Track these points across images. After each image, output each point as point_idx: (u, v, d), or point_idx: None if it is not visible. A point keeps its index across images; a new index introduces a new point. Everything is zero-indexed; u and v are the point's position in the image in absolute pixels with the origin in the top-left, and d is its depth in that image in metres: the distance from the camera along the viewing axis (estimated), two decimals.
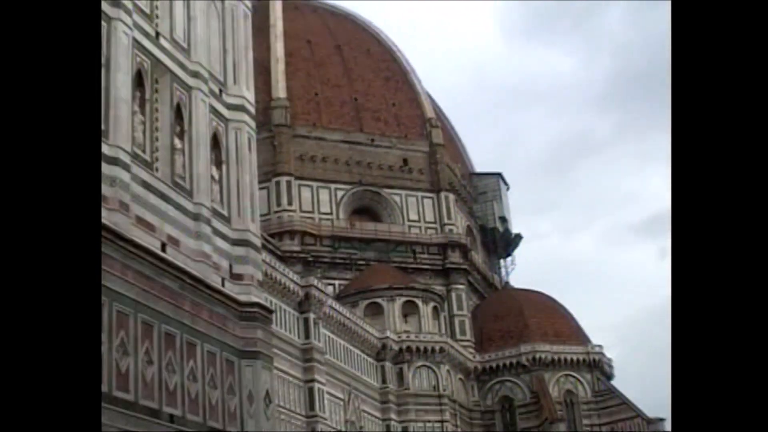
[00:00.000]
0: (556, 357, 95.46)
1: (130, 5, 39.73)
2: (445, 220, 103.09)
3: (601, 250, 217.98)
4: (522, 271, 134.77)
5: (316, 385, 69.55)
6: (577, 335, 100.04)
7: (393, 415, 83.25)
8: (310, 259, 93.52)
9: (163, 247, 38.74)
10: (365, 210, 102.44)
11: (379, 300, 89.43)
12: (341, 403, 74.43)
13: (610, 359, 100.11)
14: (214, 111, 45.20)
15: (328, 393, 71.64)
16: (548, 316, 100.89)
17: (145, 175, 38.98)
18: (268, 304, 46.38)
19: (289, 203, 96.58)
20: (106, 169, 35.96)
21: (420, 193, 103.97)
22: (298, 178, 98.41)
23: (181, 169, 41.89)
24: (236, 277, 43.79)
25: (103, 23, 37.93)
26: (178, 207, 40.90)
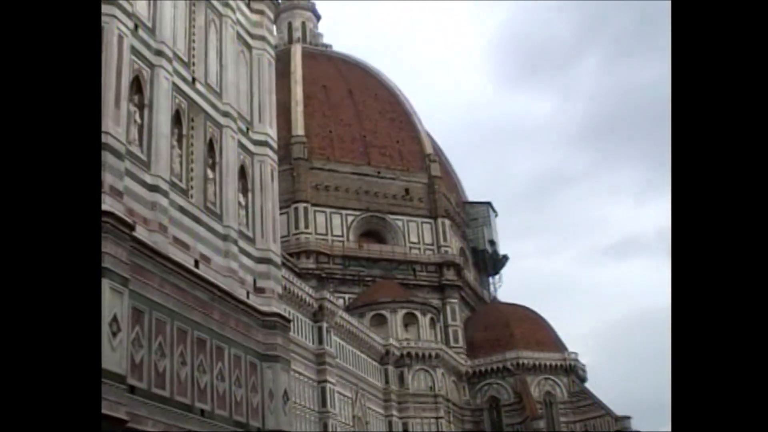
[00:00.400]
0: (537, 362, 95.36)
1: (170, 54, 39.91)
2: (442, 243, 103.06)
3: (576, 270, 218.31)
4: (508, 287, 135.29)
5: (328, 385, 69.42)
6: (556, 344, 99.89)
7: (394, 412, 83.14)
8: (324, 275, 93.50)
9: (196, 264, 38.78)
10: (372, 233, 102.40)
11: (383, 311, 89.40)
12: (349, 401, 74.28)
13: (583, 365, 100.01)
14: (241, 146, 45.32)
15: (338, 392, 71.52)
16: (530, 327, 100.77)
17: (181, 201, 39.06)
18: (286, 314, 46.34)
19: (306, 227, 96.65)
20: (147, 195, 36.13)
21: (420, 219, 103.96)
22: (313, 204, 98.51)
23: (212, 196, 41.97)
24: (259, 291, 43.82)
25: (147, 69, 38.13)
26: (210, 229, 40.97)
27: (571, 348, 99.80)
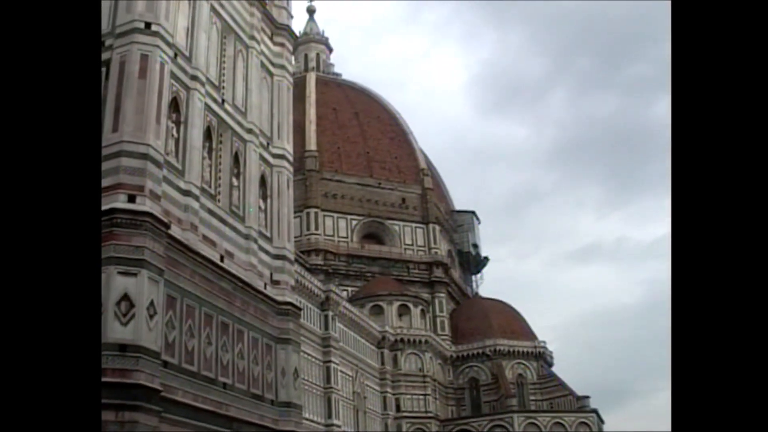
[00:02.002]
0: (511, 349, 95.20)
1: (204, 79, 40.13)
2: (432, 245, 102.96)
3: (545, 271, 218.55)
4: (488, 284, 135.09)
5: (332, 365, 69.34)
6: (527, 333, 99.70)
7: (389, 389, 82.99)
8: (330, 271, 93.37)
9: (222, 259, 38.94)
10: (372, 235, 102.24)
11: (380, 303, 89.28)
12: (350, 379, 74.18)
13: (551, 352, 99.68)
14: (262, 158, 45.51)
15: (341, 371, 71.43)
16: (506, 319, 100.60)
17: (210, 205, 39.23)
18: (298, 304, 46.47)
19: (316, 229, 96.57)
20: (181, 199, 36.33)
21: (413, 224, 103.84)
22: (323, 210, 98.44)
23: (236, 200, 42.13)
24: (275, 283, 43.99)
25: (184, 91, 38.35)
26: (234, 229, 41.13)
27: (540, 337, 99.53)
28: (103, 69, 35.58)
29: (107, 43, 36.27)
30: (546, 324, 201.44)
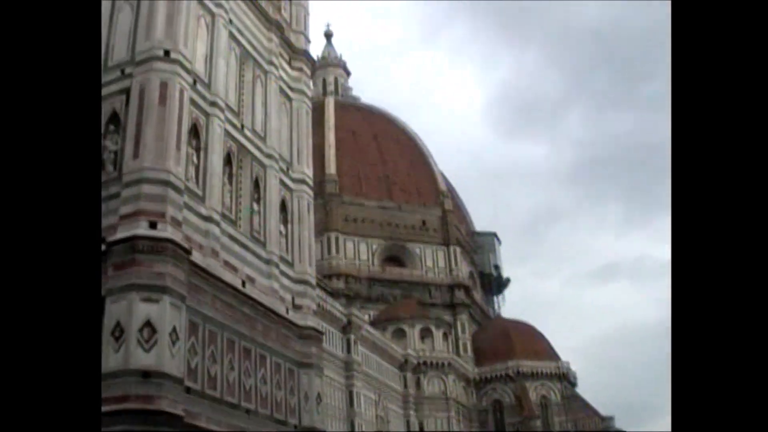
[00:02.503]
0: (534, 370, 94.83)
1: (223, 105, 40.23)
2: (453, 267, 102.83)
3: (566, 290, 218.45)
4: (510, 305, 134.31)
5: (355, 389, 69.24)
6: (550, 354, 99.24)
7: (412, 413, 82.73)
8: (352, 294, 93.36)
9: (243, 284, 38.87)
10: (393, 258, 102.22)
11: (402, 326, 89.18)
12: (373, 402, 73.99)
13: (574, 372, 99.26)
14: (282, 183, 45.52)
15: (364, 395, 71.27)
16: (529, 339, 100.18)
17: (231, 230, 39.24)
18: (320, 328, 46.31)
19: (337, 252, 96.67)
20: (202, 224, 36.33)
21: (434, 247, 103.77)
22: (343, 233, 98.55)
23: (257, 226, 42.13)
24: (297, 307, 43.87)
25: (203, 117, 38.45)
26: (255, 254, 41.10)
27: (563, 357, 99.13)
28: (123, 96, 35.88)
29: (127, 71, 36.55)
30: (568, 344, 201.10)
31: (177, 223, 33.66)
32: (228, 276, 37.37)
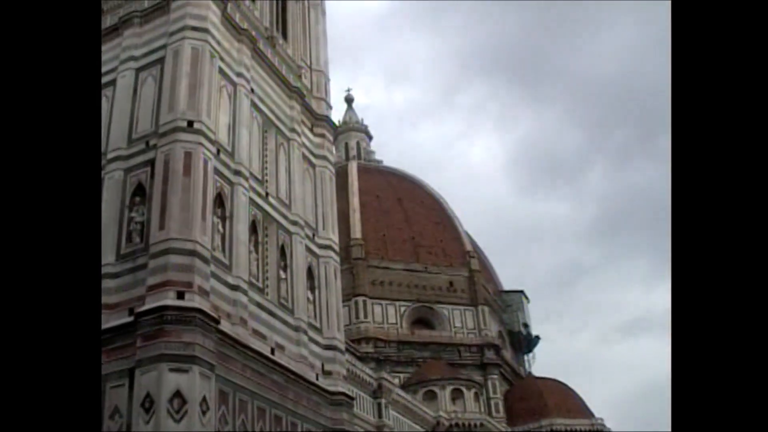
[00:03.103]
0: (568, 428, 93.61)
1: (247, 173, 40.48)
2: (482, 327, 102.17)
3: (596, 346, 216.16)
4: (540, 363, 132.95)
5: None
6: (584, 411, 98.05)
7: None
8: (381, 358, 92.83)
9: (272, 351, 38.72)
10: (422, 321, 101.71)
11: (433, 388, 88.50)
12: None
13: (609, 428, 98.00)
14: (308, 250, 45.53)
15: None
16: (561, 397, 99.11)
17: (258, 298, 39.18)
18: (350, 393, 45.97)
19: (365, 317, 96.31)
20: (230, 293, 36.33)
21: (462, 307, 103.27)
22: (371, 297, 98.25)
23: (285, 293, 42.06)
24: (327, 373, 43.60)
25: (228, 186, 38.66)
26: (283, 321, 40.99)
27: (597, 414, 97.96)
28: (148, 168, 36.26)
29: (151, 142, 37.02)
30: (601, 400, 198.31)
31: (204, 293, 33.64)
32: (257, 344, 37.24)
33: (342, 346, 46.30)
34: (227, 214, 38.15)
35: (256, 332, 37.79)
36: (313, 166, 49.49)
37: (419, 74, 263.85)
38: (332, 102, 54.92)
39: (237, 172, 39.62)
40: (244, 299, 37.15)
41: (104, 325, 31.33)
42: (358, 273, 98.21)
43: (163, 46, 39.96)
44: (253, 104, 43.96)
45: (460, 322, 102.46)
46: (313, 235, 46.71)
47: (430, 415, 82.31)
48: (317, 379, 42.16)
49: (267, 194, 42.84)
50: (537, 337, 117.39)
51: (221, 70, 41.14)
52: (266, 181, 43.53)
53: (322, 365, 43.57)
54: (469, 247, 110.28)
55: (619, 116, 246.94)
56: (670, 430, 12.64)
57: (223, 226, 37.67)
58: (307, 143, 49.44)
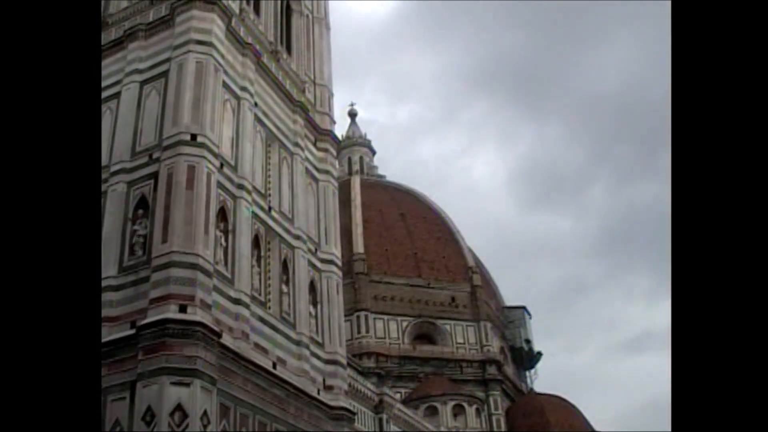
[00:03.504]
0: None
1: (250, 187, 40.48)
2: (484, 343, 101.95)
3: (599, 363, 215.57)
4: (542, 379, 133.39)
5: None
6: (586, 428, 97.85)
7: None
8: (383, 373, 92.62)
9: (274, 366, 38.64)
10: (424, 336, 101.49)
11: (435, 403, 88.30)
12: None
13: None
14: (311, 264, 45.49)
15: None
16: (564, 414, 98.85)
17: (260, 312, 39.13)
18: (352, 408, 45.83)
19: (367, 331, 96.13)
20: (232, 307, 36.28)
21: (465, 323, 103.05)
22: (373, 312, 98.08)
23: (287, 307, 42.00)
24: (328, 388, 43.51)
25: (231, 200, 38.65)
26: (285, 336, 40.92)
27: (599, 430, 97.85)
28: (152, 181, 36.31)
29: (155, 155, 37.09)
30: (603, 416, 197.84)
31: (207, 306, 33.61)
32: (258, 358, 37.18)
33: (344, 361, 46.23)
34: (230, 227, 38.16)
35: (257, 346, 37.74)
36: (316, 180, 49.50)
37: (422, 90, 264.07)
38: (336, 117, 55.02)
39: (240, 186, 39.64)
40: (246, 313, 37.11)
41: (106, 338, 31.33)
42: (360, 288, 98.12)
43: (168, 60, 40.04)
44: (257, 118, 44.01)
45: (462, 338, 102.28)
46: (316, 250, 46.69)
47: (432, 431, 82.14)
48: (319, 393, 42.07)
49: (270, 208, 42.85)
50: (539, 353, 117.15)
51: (225, 84, 41.20)
52: (269, 195, 43.54)
53: (324, 380, 43.49)
54: (471, 263, 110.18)
55: (620, 133, 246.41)
56: None
57: (226, 240, 37.66)
58: (311, 158, 49.47)
